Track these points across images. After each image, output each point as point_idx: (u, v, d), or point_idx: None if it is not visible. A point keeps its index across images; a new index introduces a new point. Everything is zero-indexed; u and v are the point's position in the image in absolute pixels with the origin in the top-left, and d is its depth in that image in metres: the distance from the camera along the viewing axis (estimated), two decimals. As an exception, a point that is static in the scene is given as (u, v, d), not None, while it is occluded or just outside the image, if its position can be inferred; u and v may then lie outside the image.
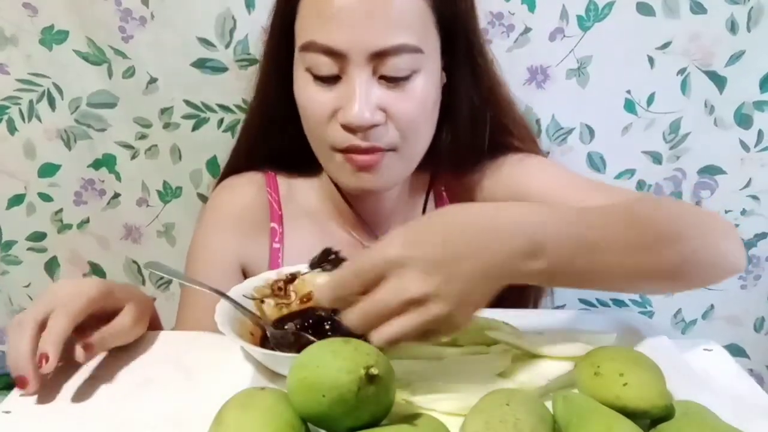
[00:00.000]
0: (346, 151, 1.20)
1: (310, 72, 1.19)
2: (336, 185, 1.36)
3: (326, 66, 1.16)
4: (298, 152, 1.33)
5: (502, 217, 0.90)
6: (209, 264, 1.39)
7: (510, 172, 1.37)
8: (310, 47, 1.17)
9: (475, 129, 1.33)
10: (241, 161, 1.46)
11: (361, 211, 1.39)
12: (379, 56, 1.14)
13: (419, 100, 1.20)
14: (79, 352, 0.94)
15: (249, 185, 1.43)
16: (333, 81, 1.18)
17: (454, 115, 1.31)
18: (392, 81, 1.17)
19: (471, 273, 0.85)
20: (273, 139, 1.39)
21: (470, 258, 0.85)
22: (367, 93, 1.15)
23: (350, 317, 0.85)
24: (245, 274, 1.40)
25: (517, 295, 1.33)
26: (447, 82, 1.29)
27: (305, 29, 1.19)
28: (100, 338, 0.99)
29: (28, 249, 1.78)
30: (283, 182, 1.44)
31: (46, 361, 0.90)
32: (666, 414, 0.80)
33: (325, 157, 1.26)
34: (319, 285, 0.93)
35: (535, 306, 1.54)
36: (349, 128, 1.17)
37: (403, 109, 1.18)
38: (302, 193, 1.44)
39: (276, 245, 1.39)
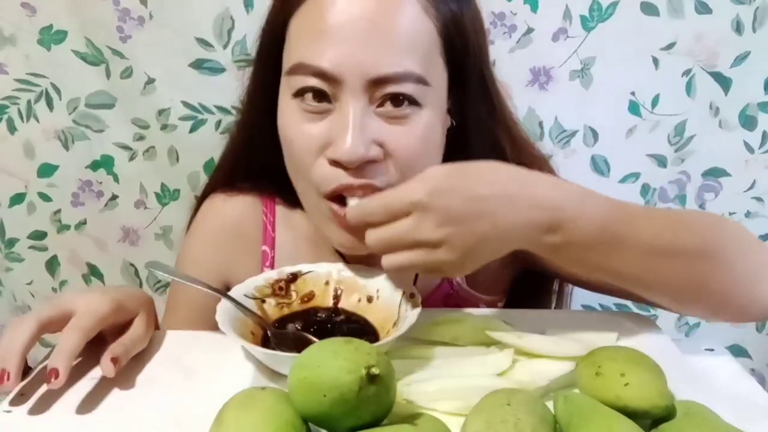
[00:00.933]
0: (334, 196, 1.06)
1: (297, 99, 1.04)
2: None
3: (316, 93, 1.02)
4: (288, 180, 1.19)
5: (531, 187, 0.92)
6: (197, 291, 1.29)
7: None
8: (298, 69, 1.03)
9: None
10: (222, 181, 1.34)
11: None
12: (377, 84, 1.00)
13: (422, 137, 1.05)
14: (108, 367, 0.92)
15: (241, 202, 1.31)
16: (323, 110, 1.03)
17: (473, 157, 1.12)
18: (391, 114, 1.02)
19: (485, 233, 0.89)
20: (261, 162, 1.26)
21: (488, 219, 0.89)
22: (362, 125, 1.00)
23: (370, 237, 0.94)
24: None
25: (537, 298, 1.32)
26: (456, 125, 1.15)
27: (294, 50, 1.05)
28: (125, 350, 0.96)
29: (30, 247, 1.78)
30: (281, 206, 1.33)
31: (55, 377, 0.88)
32: (667, 414, 0.79)
33: (310, 206, 1.13)
34: (350, 206, 1.00)
35: (558, 308, 1.44)
36: (339, 165, 1.02)
37: (404, 145, 1.04)
38: (298, 221, 1.31)
39: (266, 269, 1.29)
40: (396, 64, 1.00)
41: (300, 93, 1.04)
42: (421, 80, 1.02)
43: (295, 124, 1.05)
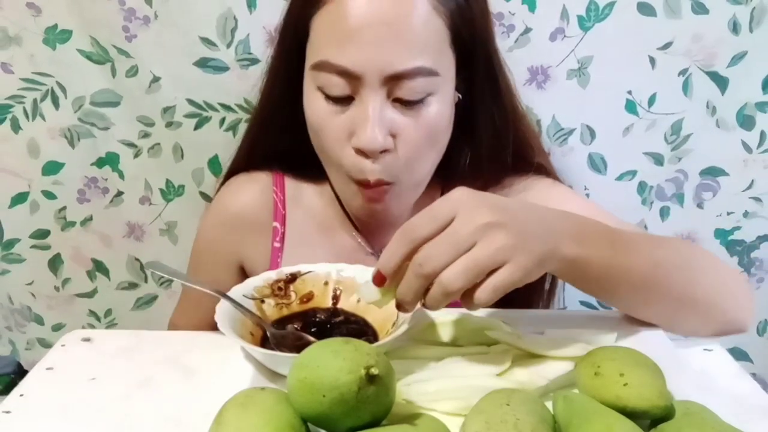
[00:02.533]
0: (359, 183, 1.18)
1: (322, 91, 1.16)
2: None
3: (339, 87, 1.13)
4: (305, 156, 1.30)
5: (554, 209, 1.00)
6: (209, 260, 1.42)
7: (537, 196, 1.33)
8: (323, 67, 1.13)
9: (498, 146, 1.31)
10: (244, 161, 1.44)
11: (367, 222, 1.37)
12: (394, 79, 1.11)
13: (431, 125, 1.17)
14: None
15: (254, 184, 1.41)
16: (345, 102, 1.15)
17: (475, 132, 1.29)
18: (406, 104, 1.14)
19: (531, 227, 0.92)
20: (278, 144, 1.38)
21: (530, 218, 0.94)
22: (381, 117, 1.12)
23: (425, 252, 0.88)
24: (245, 272, 1.42)
25: (526, 295, 1.34)
26: (463, 99, 1.25)
27: (318, 48, 1.15)
28: None
29: (32, 247, 1.78)
30: (291, 183, 1.42)
31: None
32: (666, 414, 0.80)
33: (339, 182, 1.25)
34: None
35: (546, 307, 1.52)
36: (362, 152, 1.15)
37: (413, 136, 1.16)
38: (308, 196, 1.42)
39: (276, 244, 1.38)
40: (410, 61, 1.11)
41: (325, 90, 1.15)
42: (432, 73, 1.14)
43: (321, 114, 1.17)
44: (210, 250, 1.43)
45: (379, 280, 0.92)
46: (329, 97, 1.16)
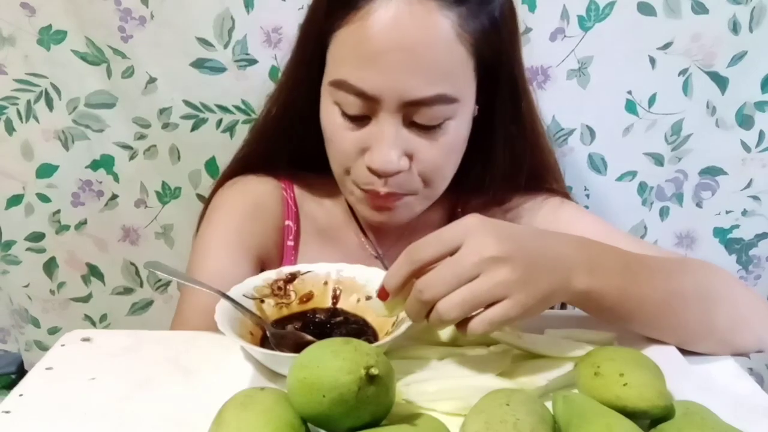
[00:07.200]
0: (367, 192, 1.19)
1: (339, 107, 1.15)
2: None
3: (356, 107, 1.13)
4: (315, 156, 1.28)
5: (568, 236, 0.99)
6: (230, 260, 1.28)
7: (546, 216, 1.34)
8: (341, 85, 1.13)
9: (513, 168, 1.30)
10: (253, 161, 1.41)
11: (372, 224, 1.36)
12: (412, 105, 1.11)
13: (448, 147, 1.18)
14: None
15: (262, 183, 1.39)
16: (362, 120, 1.15)
17: (491, 150, 1.28)
18: (423, 128, 1.14)
19: (540, 251, 0.91)
20: (292, 143, 1.35)
21: (539, 241, 0.94)
22: (396, 139, 1.12)
23: (427, 279, 0.87)
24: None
25: None
26: (483, 114, 1.24)
27: (338, 65, 1.15)
28: None
29: (27, 249, 1.77)
30: (298, 184, 1.41)
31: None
32: (666, 414, 0.80)
33: (345, 186, 1.25)
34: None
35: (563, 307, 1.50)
36: (374, 172, 1.14)
37: (430, 158, 1.16)
38: (316, 198, 1.41)
39: (290, 242, 1.36)
40: (429, 89, 1.10)
41: (342, 107, 1.15)
42: (451, 100, 1.13)
43: (336, 128, 1.17)
44: (229, 251, 1.30)
45: (382, 295, 0.93)
46: (345, 114, 1.15)
